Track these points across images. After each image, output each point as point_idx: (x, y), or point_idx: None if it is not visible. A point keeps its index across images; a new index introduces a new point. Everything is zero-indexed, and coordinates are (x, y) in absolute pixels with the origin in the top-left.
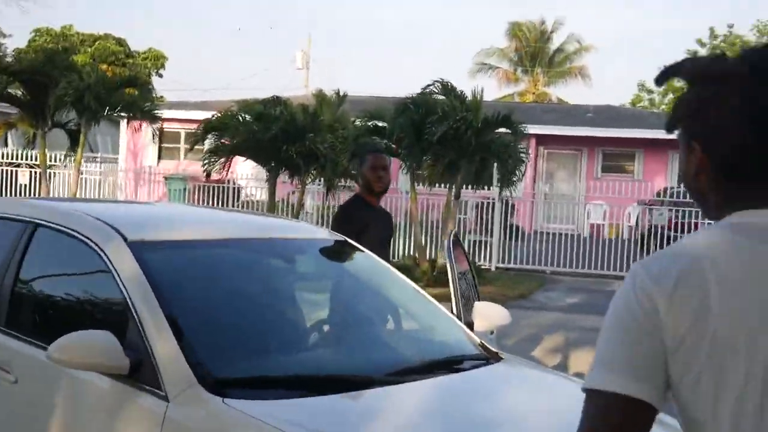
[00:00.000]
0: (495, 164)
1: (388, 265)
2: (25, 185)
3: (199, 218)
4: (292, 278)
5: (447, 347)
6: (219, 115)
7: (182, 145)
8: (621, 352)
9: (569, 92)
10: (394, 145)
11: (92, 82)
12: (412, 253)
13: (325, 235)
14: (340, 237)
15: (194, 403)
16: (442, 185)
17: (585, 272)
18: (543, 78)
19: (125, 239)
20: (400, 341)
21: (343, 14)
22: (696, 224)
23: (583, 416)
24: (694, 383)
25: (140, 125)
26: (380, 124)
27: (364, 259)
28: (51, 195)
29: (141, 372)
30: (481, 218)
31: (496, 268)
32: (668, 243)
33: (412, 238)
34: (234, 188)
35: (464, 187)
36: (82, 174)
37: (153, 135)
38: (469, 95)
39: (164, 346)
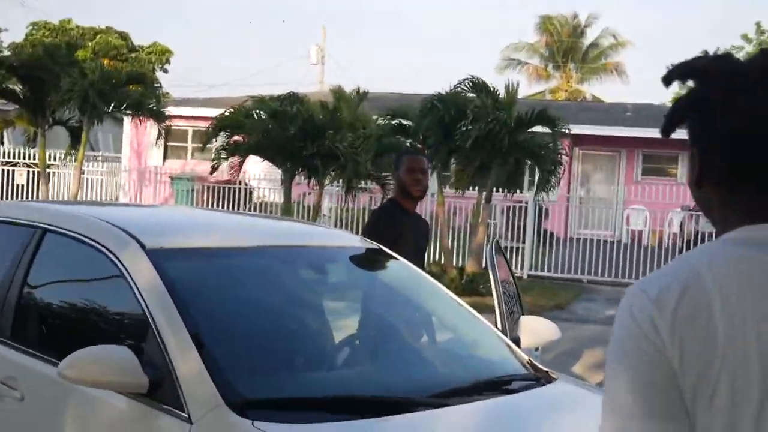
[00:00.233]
0: (527, 166)
1: (426, 275)
2: (23, 186)
3: (222, 223)
4: (324, 289)
5: (493, 366)
6: (232, 111)
7: (189, 144)
8: (633, 392)
9: (604, 90)
10: (419, 145)
11: (96, 78)
12: (437, 259)
13: (358, 242)
14: (374, 245)
15: (220, 427)
16: (472, 188)
17: (625, 281)
18: (576, 74)
19: (143, 246)
20: (441, 359)
21: (359, 6)
22: None
23: None
24: (707, 404)
25: (145, 123)
26: (404, 122)
27: (401, 268)
28: (51, 196)
29: (161, 391)
30: (512, 223)
31: (529, 276)
32: None
33: (439, 243)
34: (245, 189)
35: (494, 190)
36: (83, 174)
37: (159, 134)
38: (501, 91)
39: (187, 363)
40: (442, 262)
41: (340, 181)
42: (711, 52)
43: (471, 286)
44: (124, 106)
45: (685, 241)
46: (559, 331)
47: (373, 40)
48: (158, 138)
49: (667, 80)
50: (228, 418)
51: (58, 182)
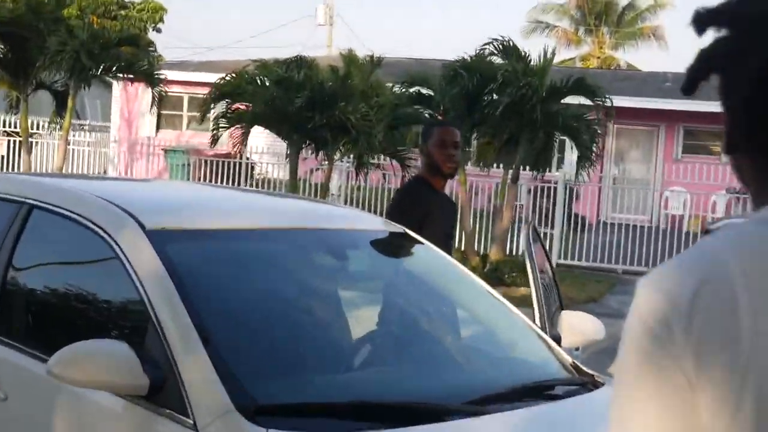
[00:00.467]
0: (556, 141)
1: (457, 263)
2: (3, 156)
3: (230, 202)
4: (344, 278)
5: (533, 368)
6: (233, 76)
7: (185, 113)
8: (643, 412)
9: (641, 57)
10: (439, 116)
11: (86, 37)
12: (458, 245)
13: (380, 225)
14: (398, 228)
15: None
16: (496, 166)
17: None
18: (610, 40)
19: (142, 226)
20: (475, 360)
21: None
22: None
23: None
24: (730, 418)
25: (136, 88)
26: (424, 91)
27: (428, 255)
28: (33, 168)
29: (163, 393)
30: (540, 206)
31: (558, 265)
32: None
33: (460, 227)
34: (246, 164)
35: (521, 168)
36: (69, 144)
37: (153, 100)
38: (533, 56)
39: (193, 362)
40: (463, 248)
41: (351, 156)
42: None
43: (495, 275)
44: (114, 68)
45: None
46: (603, 328)
47: (385, 1)
48: (152, 104)
49: (698, 26)
50: (239, 425)
51: (41, 153)
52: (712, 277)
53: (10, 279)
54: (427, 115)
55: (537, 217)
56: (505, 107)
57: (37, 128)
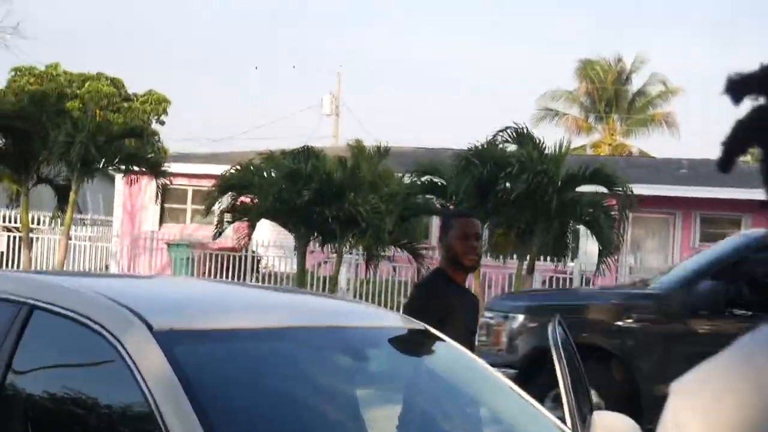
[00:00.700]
0: (571, 231)
1: (481, 361)
2: (2, 252)
3: (241, 299)
4: (364, 380)
5: None
6: (238, 169)
7: (189, 206)
8: None
9: (653, 144)
10: (451, 206)
11: (91, 130)
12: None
13: (399, 321)
14: (418, 324)
15: None
16: (510, 256)
17: None
18: (621, 126)
19: (150, 328)
20: None
21: (374, 53)
22: None
23: None
24: None
25: (138, 180)
26: (435, 180)
27: (451, 353)
28: (34, 265)
29: None
30: None
31: None
32: None
33: None
34: (252, 257)
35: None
36: (70, 239)
37: (158, 193)
38: (548, 144)
39: None
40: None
41: (360, 248)
42: None
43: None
44: (117, 160)
45: None
46: (640, 430)
47: (391, 90)
48: (157, 195)
49: (733, 95)
50: None
51: (41, 248)
52: (738, 371)
53: (8, 384)
54: (438, 205)
55: None
56: (519, 195)
57: (38, 223)
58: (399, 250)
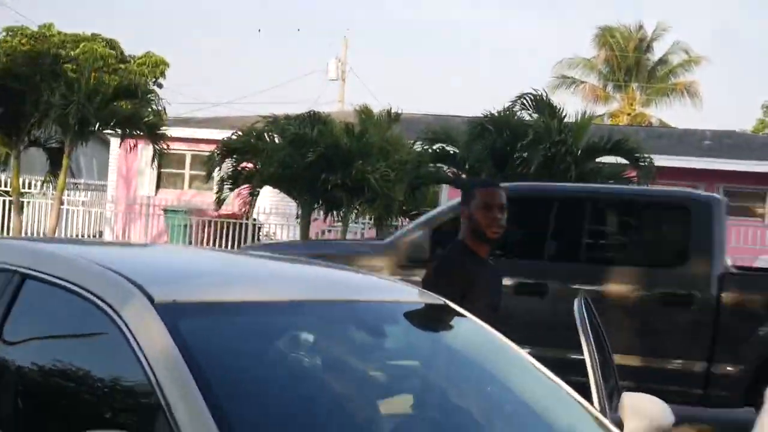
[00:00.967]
0: None
1: (505, 339)
2: None
3: (248, 269)
4: (379, 357)
5: None
6: (240, 134)
7: (187, 171)
8: None
9: (673, 115)
10: (464, 175)
11: (88, 92)
12: None
13: (417, 296)
14: (438, 299)
15: None
16: None
17: None
18: (640, 96)
19: (151, 300)
20: None
21: (383, 15)
22: None
23: None
24: None
25: (135, 145)
26: (448, 148)
27: (472, 329)
28: (25, 231)
29: None
30: None
31: None
32: None
33: None
34: (252, 225)
35: None
36: (63, 204)
37: (154, 157)
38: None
39: None
40: None
41: (367, 217)
42: None
43: None
44: (113, 122)
45: None
46: (672, 413)
47: (400, 55)
48: (153, 160)
49: None
50: None
51: (33, 213)
52: None
53: None
54: (450, 173)
55: None
56: (537, 166)
57: (29, 187)
58: (408, 220)
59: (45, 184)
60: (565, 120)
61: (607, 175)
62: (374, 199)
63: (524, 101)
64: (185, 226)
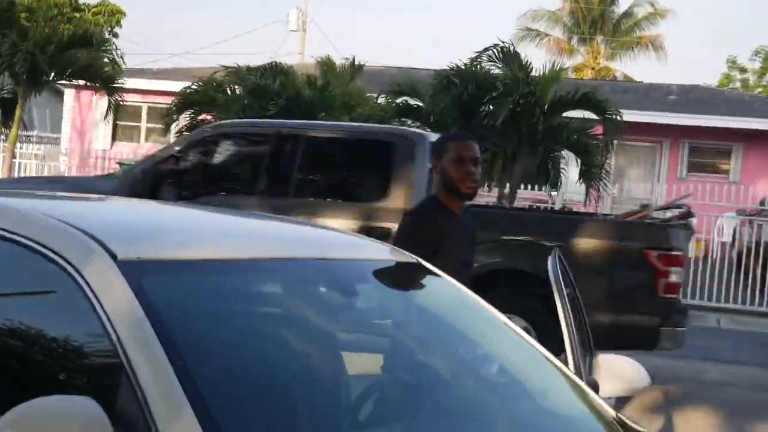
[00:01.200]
0: (551, 157)
1: (478, 298)
2: None
3: (216, 225)
4: (349, 317)
5: (572, 426)
6: (199, 84)
7: (143, 124)
8: None
9: (638, 69)
10: (429, 130)
11: (42, 40)
12: None
13: (387, 253)
14: (409, 257)
15: None
16: (493, 184)
17: None
18: (605, 49)
19: (114, 257)
20: (503, 416)
21: None
22: None
23: None
24: None
25: (90, 97)
26: (412, 101)
27: (444, 288)
28: None
29: None
30: None
31: None
32: None
33: None
34: None
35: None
36: (15, 157)
37: (109, 107)
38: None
39: (177, 425)
40: None
41: None
42: None
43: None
44: (68, 73)
45: (737, 252)
46: (648, 375)
47: (361, 6)
48: (107, 112)
49: None
50: None
51: None
52: None
53: None
54: (416, 127)
55: None
56: (504, 119)
57: None
58: None
59: None
60: (533, 73)
61: (575, 129)
62: None
63: (491, 53)
64: None
